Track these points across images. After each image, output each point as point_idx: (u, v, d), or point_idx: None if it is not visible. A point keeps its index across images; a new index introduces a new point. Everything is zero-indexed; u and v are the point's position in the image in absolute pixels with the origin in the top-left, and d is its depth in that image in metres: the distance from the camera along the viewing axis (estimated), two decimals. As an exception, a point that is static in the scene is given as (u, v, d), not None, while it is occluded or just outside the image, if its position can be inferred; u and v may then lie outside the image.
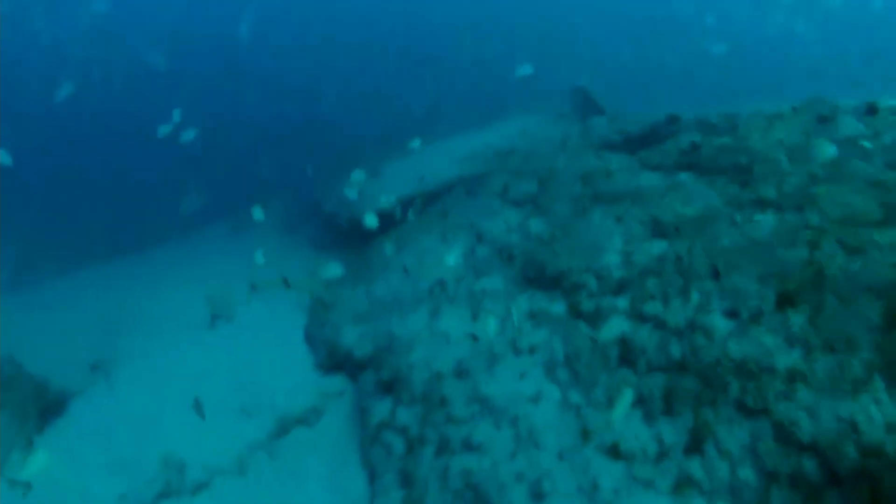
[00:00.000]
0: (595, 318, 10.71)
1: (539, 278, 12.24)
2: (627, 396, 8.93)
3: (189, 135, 17.60)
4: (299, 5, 60.90)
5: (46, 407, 13.57)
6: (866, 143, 11.88)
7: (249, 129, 37.64)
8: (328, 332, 14.37)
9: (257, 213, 15.44)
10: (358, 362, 13.03)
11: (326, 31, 55.59)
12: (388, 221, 17.34)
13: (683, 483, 8.17)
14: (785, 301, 9.02)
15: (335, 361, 13.59)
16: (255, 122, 38.89)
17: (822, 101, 14.39)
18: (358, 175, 18.13)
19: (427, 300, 13.21)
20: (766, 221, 11.00)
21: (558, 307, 11.41)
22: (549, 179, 15.68)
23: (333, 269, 12.39)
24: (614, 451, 8.85)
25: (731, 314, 9.31)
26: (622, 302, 10.65)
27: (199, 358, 14.99)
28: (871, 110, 13.26)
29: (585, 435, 9.22)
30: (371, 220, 14.00)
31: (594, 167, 15.48)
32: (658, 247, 11.52)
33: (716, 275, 10.07)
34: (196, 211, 26.90)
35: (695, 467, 8.21)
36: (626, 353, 9.84)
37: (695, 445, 8.35)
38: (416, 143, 17.90)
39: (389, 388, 11.89)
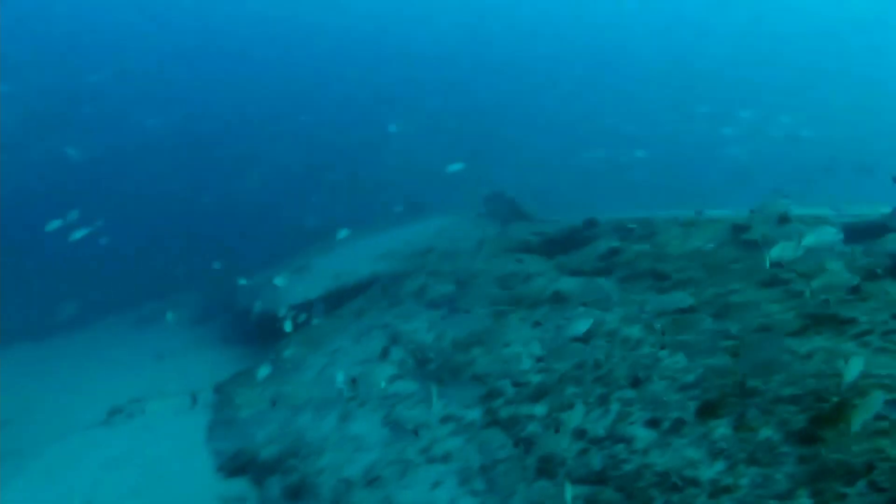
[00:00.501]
0: (512, 425, 10.39)
1: (455, 381, 11.91)
2: None
3: (80, 233, 17.09)
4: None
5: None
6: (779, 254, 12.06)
7: (158, 217, 36.88)
8: (233, 432, 13.69)
9: (170, 317, 14.95)
10: (263, 465, 12.37)
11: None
12: (299, 319, 16.89)
13: None
14: (706, 411, 8.86)
15: (239, 464, 12.89)
16: (163, 209, 38.12)
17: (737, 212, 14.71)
18: (281, 278, 17.80)
19: (338, 402, 12.71)
20: (685, 331, 10.96)
21: (474, 413, 11.06)
22: (466, 282, 15.52)
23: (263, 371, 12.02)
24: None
25: (652, 424, 9.11)
26: (540, 409, 10.37)
27: (95, 457, 14.10)
28: (783, 219, 13.54)
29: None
30: (288, 326, 13.62)
31: (512, 270, 15.40)
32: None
33: (636, 383, 9.90)
34: (74, 315, 25.90)
35: (616, 587, 7.85)
36: (545, 463, 9.51)
37: (618, 563, 8.01)
38: (343, 233, 17.64)
39: (296, 494, 11.27)
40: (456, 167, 15.93)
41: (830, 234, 9.98)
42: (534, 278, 14.75)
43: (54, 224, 17.87)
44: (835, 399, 8.15)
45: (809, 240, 9.93)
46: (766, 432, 8.13)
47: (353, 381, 12.51)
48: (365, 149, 44.52)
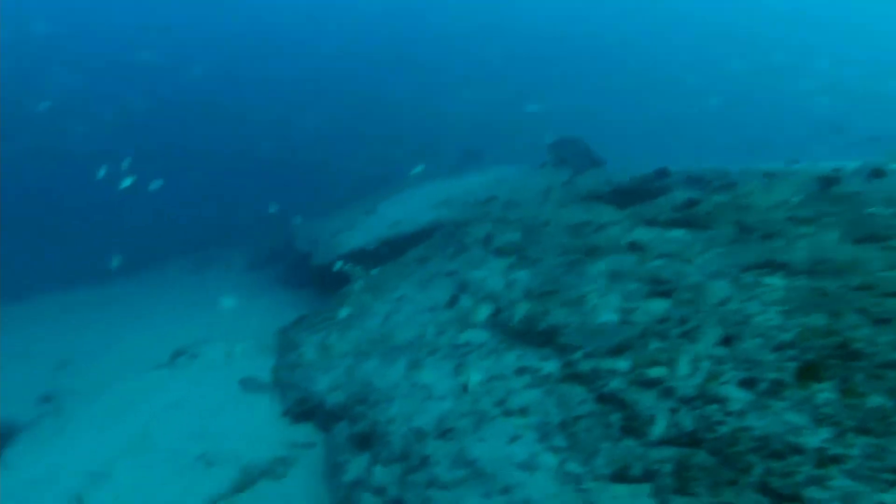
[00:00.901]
0: (593, 380, 9.97)
1: (528, 333, 11.50)
2: None
3: (156, 184, 16.98)
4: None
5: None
6: (877, 210, 11.40)
7: (218, 163, 36.92)
8: (298, 377, 13.47)
9: (227, 302, 14.90)
10: (330, 412, 12.14)
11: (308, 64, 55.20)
12: (360, 265, 16.59)
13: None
14: (807, 373, 8.35)
15: (305, 409, 12.68)
16: (224, 155, 38.17)
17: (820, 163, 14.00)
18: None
19: (406, 350, 12.38)
20: (776, 285, 10.41)
21: (551, 366, 10.65)
22: (535, 230, 15.04)
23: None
24: (620, 531, 8.06)
25: (748, 384, 8.62)
26: (623, 363, 9.91)
27: (156, 398, 13.98)
28: (878, 173, 12.85)
29: (586, 510, 8.43)
30: (352, 271, 13.36)
31: (583, 219, 14.90)
32: (659, 306, 10.87)
33: (727, 341, 9.39)
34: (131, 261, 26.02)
35: (712, 554, 7.45)
36: (630, 420, 9.09)
37: (713, 530, 7.59)
38: (418, 169, 17.31)
39: (365, 442, 11.01)
40: (534, 108, 15.40)
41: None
42: (607, 227, 14.23)
43: (102, 172, 17.77)
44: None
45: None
46: (877, 399, 7.61)
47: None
48: (423, 98, 44.19)
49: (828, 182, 12.92)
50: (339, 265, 14.96)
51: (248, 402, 13.29)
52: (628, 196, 16.76)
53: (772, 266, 10.98)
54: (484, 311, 12.46)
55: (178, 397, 13.88)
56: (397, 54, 60.15)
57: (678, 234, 13.06)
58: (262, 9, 70.37)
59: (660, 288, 11.30)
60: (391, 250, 17.97)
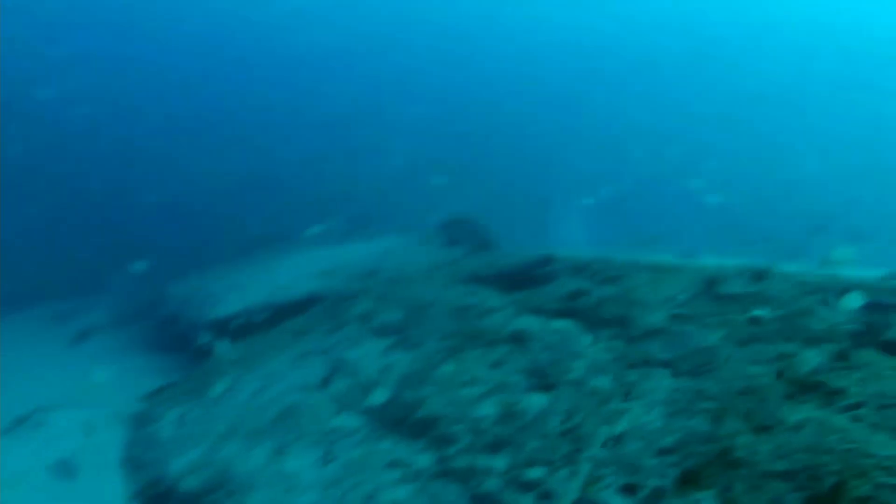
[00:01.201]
0: (468, 478, 9.41)
1: (403, 422, 10.89)
2: None
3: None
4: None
5: None
6: (760, 312, 11.38)
7: (91, 206, 35.26)
8: (151, 456, 12.44)
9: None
10: (183, 498, 11.15)
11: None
12: (231, 333, 15.73)
13: None
14: (688, 481, 8.03)
15: (155, 493, 11.65)
16: (98, 199, 36.50)
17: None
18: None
19: (273, 433, 11.57)
20: (660, 385, 10.16)
21: (425, 459, 10.05)
22: (417, 310, 14.55)
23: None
24: None
25: (629, 490, 8.22)
26: (500, 461, 9.40)
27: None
28: (760, 276, 12.92)
29: None
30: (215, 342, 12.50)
31: (468, 303, 14.49)
32: (540, 401, 10.46)
33: (608, 442, 9.03)
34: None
35: None
36: (505, 527, 8.57)
37: None
38: (314, 230, 16.67)
39: (219, 535, 10.12)
40: (440, 180, 15.08)
41: (857, 301, 9.34)
42: (491, 313, 13.86)
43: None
44: (832, 479, 7.39)
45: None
46: (760, 513, 7.34)
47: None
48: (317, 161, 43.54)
49: (712, 282, 12.92)
50: (205, 337, 14.07)
51: (94, 480, 12.16)
52: (513, 281, 16.51)
53: (655, 365, 10.76)
54: (358, 395, 11.83)
55: (16, 470, 12.62)
56: (304, 101, 59.27)
57: (563, 324, 12.78)
58: (175, 37, 68.52)
59: (542, 381, 10.92)
60: (266, 319, 17.15)
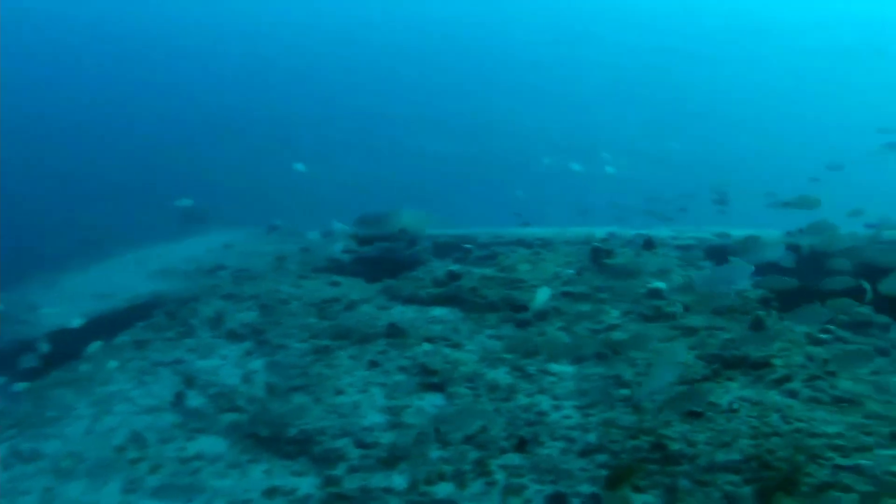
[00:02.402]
0: (363, 502, 8.06)
1: (277, 440, 9.38)
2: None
3: None
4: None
5: None
6: (658, 284, 10.59)
7: None
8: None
9: None
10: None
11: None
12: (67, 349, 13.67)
13: None
14: (625, 481, 7.01)
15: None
16: None
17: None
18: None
19: (121, 467, 9.79)
20: (565, 373, 9.16)
21: (308, 483, 8.61)
22: (273, 308, 13.01)
23: None
24: None
25: (557, 501, 7.12)
26: (399, 479, 8.11)
27: None
28: (648, 244, 12.21)
29: None
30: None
31: (330, 296, 13.08)
32: (433, 402, 9.24)
33: (522, 445, 7.90)
34: None
35: None
36: (417, 560, 7.30)
37: None
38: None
39: None
40: (300, 167, 13.55)
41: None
42: (358, 305, 12.52)
43: None
44: (784, 466, 6.55)
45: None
46: (708, 510, 6.41)
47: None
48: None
49: (598, 254, 12.08)
50: (26, 360, 12.04)
51: None
52: (376, 267, 15.23)
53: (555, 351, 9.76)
54: (218, 412, 10.24)
55: None
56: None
57: (442, 312, 11.63)
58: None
59: (431, 379, 9.70)
60: (97, 331, 15.07)
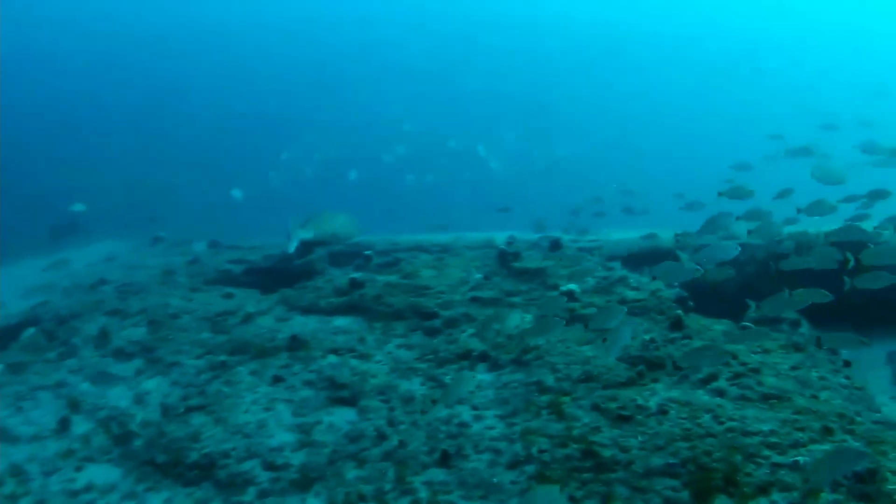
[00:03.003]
0: (278, 530, 7.52)
1: (176, 465, 8.69)
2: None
3: None
4: None
5: None
6: (571, 286, 10.39)
7: None
8: None
9: None
10: None
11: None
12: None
13: None
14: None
15: None
16: None
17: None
18: None
19: (-1, 505, 8.91)
20: (483, 382, 8.81)
21: (214, 512, 7.99)
22: (163, 323, 12.22)
23: None
24: None
25: (484, 516, 6.77)
26: (315, 503, 7.58)
27: None
28: (556, 246, 12.02)
29: None
30: None
31: (224, 308, 12.40)
32: (343, 418, 8.75)
33: (445, 459, 7.51)
34: None
35: None
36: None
37: None
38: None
39: None
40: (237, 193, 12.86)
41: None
42: (255, 319, 11.89)
43: None
44: (722, 467, 6.38)
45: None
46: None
47: None
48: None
49: (507, 257, 11.82)
50: None
51: None
52: (271, 277, 14.59)
53: (468, 358, 9.41)
54: (109, 437, 9.46)
55: None
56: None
57: (346, 322, 11.13)
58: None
59: (340, 393, 9.20)
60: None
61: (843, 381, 8.44)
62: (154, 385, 10.54)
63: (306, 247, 14.82)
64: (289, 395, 9.40)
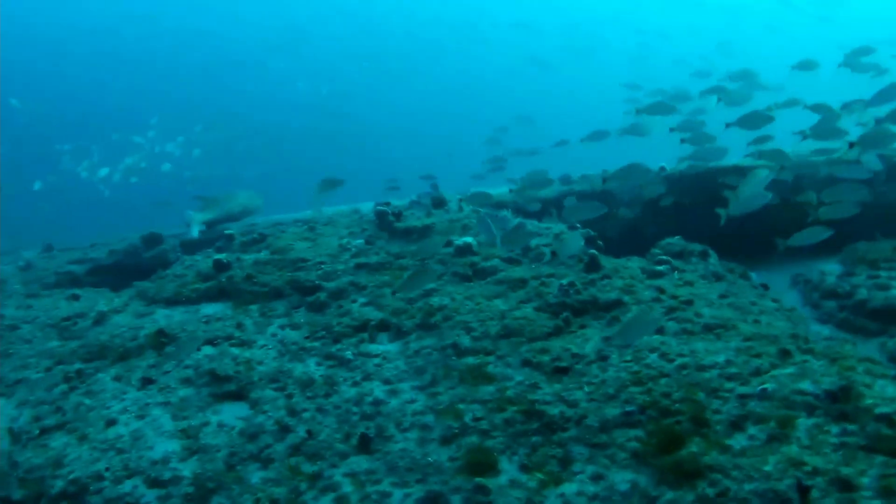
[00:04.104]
0: (175, 559, 6.30)
1: (37, 501, 7.27)
2: None
3: None
4: None
5: None
6: (466, 238, 9.51)
7: None
8: None
9: None
10: None
11: None
12: None
13: None
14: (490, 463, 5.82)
15: None
16: None
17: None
18: None
19: None
20: (389, 352, 7.83)
21: (94, 545, 6.67)
22: (0, 337, 10.58)
23: None
24: None
25: (430, 501, 5.78)
26: (218, 515, 6.40)
27: None
28: (439, 202, 11.11)
29: None
30: None
31: (72, 311, 10.87)
32: (233, 414, 7.57)
33: (364, 444, 6.47)
34: None
35: None
36: None
37: None
38: None
39: None
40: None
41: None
42: (110, 317, 10.43)
43: None
44: (684, 407, 5.69)
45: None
46: (619, 475, 5.40)
47: None
48: None
49: (386, 217, 10.80)
50: None
51: None
52: (119, 273, 13.08)
53: (367, 328, 8.40)
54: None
55: None
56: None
57: (216, 309, 9.86)
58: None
59: (226, 387, 7.99)
60: None
61: (773, 304, 7.96)
62: (6, 404, 8.98)
63: (211, 227, 13.59)
64: (164, 397, 8.10)
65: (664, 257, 8.93)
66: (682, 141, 10.97)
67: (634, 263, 8.87)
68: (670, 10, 76.73)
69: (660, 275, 8.48)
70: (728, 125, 10.45)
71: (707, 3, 74.22)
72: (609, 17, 77.10)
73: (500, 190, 13.47)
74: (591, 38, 69.65)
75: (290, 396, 7.47)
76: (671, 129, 11.26)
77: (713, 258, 9.70)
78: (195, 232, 13.40)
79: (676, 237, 10.10)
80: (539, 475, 5.55)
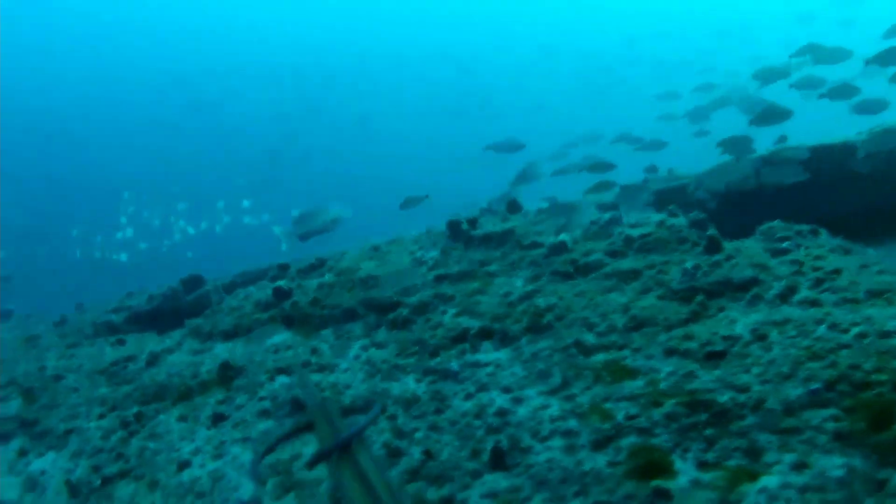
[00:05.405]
0: None
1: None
2: None
3: None
4: None
5: None
6: (562, 237, 8.56)
7: None
8: None
9: None
10: None
11: None
12: None
13: None
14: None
15: None
16: None
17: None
18: None
19: None
20: (502, 360, 6.82)
21: None
22: (43, 389, 9.62)
23: None
24: None
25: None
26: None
27: None
28: (514, 207, 10.21)
29: None
30: None
31: (120, 355, 9.92)
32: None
33: (497, 458, 5.43)
34: None
35: None
36: None
37: None
38: None
39: None
40: None
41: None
42: (164, 357, 9.46)
43: None
44: (882, 377, 4.69)
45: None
46: (827, 460, 4.37)
47: None
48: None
49: (460, 227, 9.86)
50: None
51: None
52: (158, 321, 12.18)
53: (468, 338, 7.39)
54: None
55: None
56: None
57: (282, 338, 8.89)
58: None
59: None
60: None
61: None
62: (47, 463, 7.95)
63: (305, 239, 12.85)
64: (241, 432, 7.09)
65: (786, 233, 7.94)
66: None
67: (751, 243, 7.89)
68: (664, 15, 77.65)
69: (785, 251, 7.49)
70: None
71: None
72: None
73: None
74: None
75: (393, 418, 6.43)
76: None
77: (824, 235, 8.73)
78: (285, 246, 12.97)
79: (776, 220, 9.10)
80: (723, 471, 4.52)
